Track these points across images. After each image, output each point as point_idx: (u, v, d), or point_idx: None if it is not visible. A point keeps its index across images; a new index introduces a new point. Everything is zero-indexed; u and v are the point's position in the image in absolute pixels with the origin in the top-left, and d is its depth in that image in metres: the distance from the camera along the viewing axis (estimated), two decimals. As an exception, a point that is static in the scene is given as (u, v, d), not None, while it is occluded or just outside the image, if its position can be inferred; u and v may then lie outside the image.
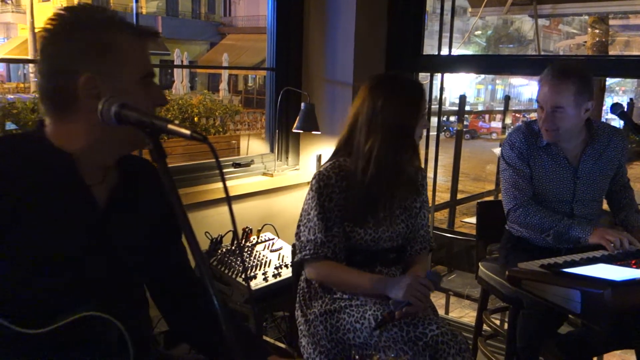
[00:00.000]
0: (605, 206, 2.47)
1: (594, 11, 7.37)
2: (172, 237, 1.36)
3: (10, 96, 11.90)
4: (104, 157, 1.19)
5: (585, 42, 8.96)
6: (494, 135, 18.77)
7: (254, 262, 2.53)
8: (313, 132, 3.04)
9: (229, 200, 0.96)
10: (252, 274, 2.43)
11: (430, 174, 3.61)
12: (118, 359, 1.17)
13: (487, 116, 21.28)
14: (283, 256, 2.63)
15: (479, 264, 2.62)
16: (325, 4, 3.15)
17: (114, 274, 1.21)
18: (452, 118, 15.90)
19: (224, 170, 3.05)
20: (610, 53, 9.97)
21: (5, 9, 24.09)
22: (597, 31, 7.92)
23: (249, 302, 2.32)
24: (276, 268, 2.51)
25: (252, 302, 2.33)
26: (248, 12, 25.84)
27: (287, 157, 3.33)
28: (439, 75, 3.65)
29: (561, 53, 20.65)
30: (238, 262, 2.46)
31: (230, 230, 2.59)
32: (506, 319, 2.99)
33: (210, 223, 2.68)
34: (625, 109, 2.31)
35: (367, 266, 1.90)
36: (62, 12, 1.12)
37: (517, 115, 20.50)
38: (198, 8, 27.37)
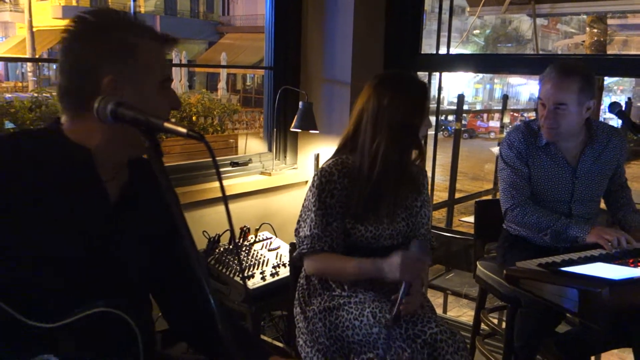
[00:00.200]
0: (602, 205, 2.47)
1: (592, 10, 7.37)
2: (174, 237, 1.36)
3: (8, 95, 11.89)
4: (119, 155, 1.22)
5: (584, 41, 8.97)
6: (492, 135, 18.79)
7: (251, 261, 2.52)
8: (311, 131, 3.04)
9: (225, 199, 0.96)
10: (250, 273, 2.42)
11: (428, 173, 3.62)
12: (127, 355, 1.18)
13: (485, 115, 21.32)
14: (281, 255, 2.62)
15: (477, 263, 2.62)
16: (323, 3, 3.14)
17: (121, 270, 1.23)
18: (451, 117, 15.91)
19: (222, 170, 3.05)
20: (609, 52, 9.98)
21: (4, 7, 24.06)
22: (595, 30, 7.93)
23: (246, 301, 2.31)
24: (274, 267, 2.51)
25: (249, 302, 2.33)
26: (246, 12, 25.82)
27: (285, 156, 3.33)
28: (437, 74, 3.65)
29: (559, 52, 20.67)
30: (236, 261, 2.46)
31: (227, 230, 2.59)
32: (504, 318, 2.99)
33: (208, 222, 2.68)
34: (624, 108, 2.31)
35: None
36: (86, 14, 1.15)
37: (515, 114, 20.54)
38: (196, 7, 27.35)
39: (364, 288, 1.90)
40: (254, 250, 2.62)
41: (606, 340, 2.24)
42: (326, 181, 1.86)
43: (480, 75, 27.18)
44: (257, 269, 2.47)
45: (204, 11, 27.58)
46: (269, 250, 2.66)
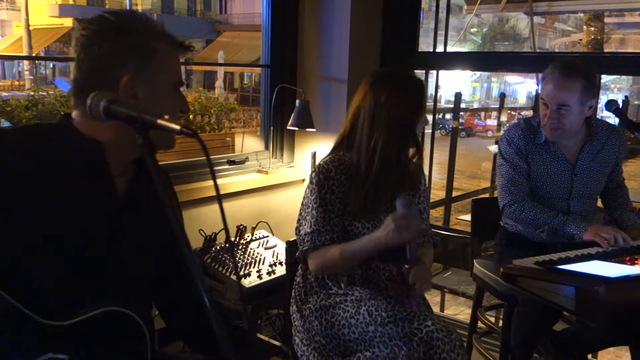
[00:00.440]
0: (599, 204, 2.47)
1: (589, 9, 7.38)
2: (173, 236, 1.36)
3: (4, 94, 11.87)
4: (128, 152, 1.24)
5: (581, 39, 8.98)
6: (490, 133, 18.81)
7: (248, 259, 2.52)
8: (308, 130, 3.04)
9: (219, 196, 0.95)
10: (246, 271, 2.42)
11: (425, 171, 3.62)
12: (134, 354, 1.19)
13: (482, 114, 21.32)
14: (277, 254, 2.62)
15: (474, 261, 2.62)
16: (320, 0, 3.14)
17: (125, 268, 1.23)
18: (448, 116, 15.92)
19: (219, 168, 3.04)
20: (606, 50, 9.98)
21: (0, 6, 23.98)
22: (592, 29, 7.94)
23: (240, 300, 2.31)
24: (270, 266, 2.50)
25: (244, 300, 2.33)
26: (244, 10, 25.79)
27: (282, 155, 3.32)
28: (434, 72, 3.65)
29: (557, 51, 20.69)
30: (231, 260, 2.45)
31: (227, 229, 2.58)
32: (501, 316, 2.99)
33: (204, 220, 2.67)
34: (620, 106, 2.31)
35: (364, 262, 1.89)
36: (107, 15, 1.19)
37: (512, 112, 20.54)
38: (194, 5, 27.30)
39: (360, 286, 1.89)
40: (251, 249, 2.62)
41: (603, 338, 2.24)
42: (324, 177, 1.86)
43: (478, 73, 27.19)
44: (254, 267, 2.47)
45: (201, 9, 27.53)
46: (266, 248, 2.65)
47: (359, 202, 1.85)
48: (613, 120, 2.56)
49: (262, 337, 2.87)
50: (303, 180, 3.31)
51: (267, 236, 2.77)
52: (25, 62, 21.92)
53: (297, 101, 3.00)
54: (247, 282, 2.35)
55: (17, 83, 20.36)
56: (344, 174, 1.87)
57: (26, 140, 1.13)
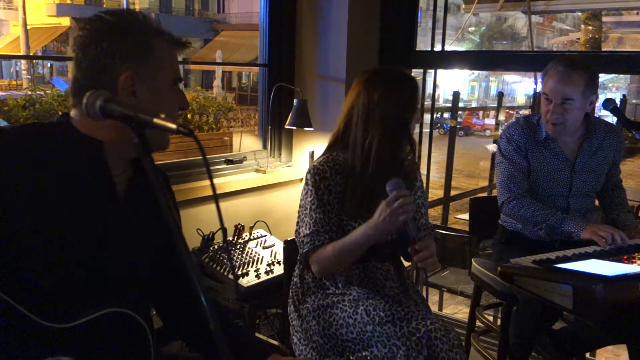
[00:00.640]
0: (596, 204, 2.48)
1: (587, 8, 7.39)
2: (170, 235, 1.36)
3: (1, 93, 11.85)
4: (127, 150, 1.24)
5: (579, 38, 8.99)
6: (488, 132, 18.83)
7: (246, 259, 2.51)
8: (306, 129, 3.03)
9: (215, 196, 0.95)
10: (244, 270, 2.42)
11: (423, 170, 3.62)
12: (137, 354, 1.19)
13: (481, 113, 21.34)
14: (275, 253, 2.61)
15: (472, 260, 2.62)
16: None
17: (125, 267, 1.23)
18: (446, 115, 15.93)
19: (217, 167, 3.04)
20: (604, 49, 9.99)
21: (-3, 5, 23.93)
22: (590, 28, 7.95)
23: (239, 299, 2.31)
24: (268, 265, 2.50)
25: (241, 300, 2.32)
26: (242, 9, 25.76)
27: (279, 154, 3.32)
28: (432, 71, 3.65)
29: (554, 50, 20.71)
30: (228, 260, 2.45)
31: (224, 228, 2.57)
32: (499, 315, 2.99)
33: (202, 220, 2.67)
34: (618, 105, 2.31)
35: (360, 261, 1.89)
36: (104, 15, 1.19)
37: (510, 112, 20.56)
38: (191, 5, 27.27)
39: (357, 286, 1.89)
40: (249, 248, 2.61)
41: (600, 337, 2.24)
42: (320, 178, 1.85)
43: (476, 73, 27.21)
44: (252, 266, 2.47)
45: (199, 9, 27.50)
46: (264, 248, 2.65)
47: (355, 202, 1.84)
48: (611, 119, 2.57)
49: (261, 336, 2.86)
50: (301, 179, 3.31)
51: (265, 235, 2.77)
52: (23, 61, 21.88)
53: (295, 100, 3.00)
54: (245, 282, 2.35)
55: (14, 82, 20.32)
56: (339, 174, 1.86)
57: (25, 139, 1.13)
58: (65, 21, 21.20)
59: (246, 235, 2.71)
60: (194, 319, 1.39)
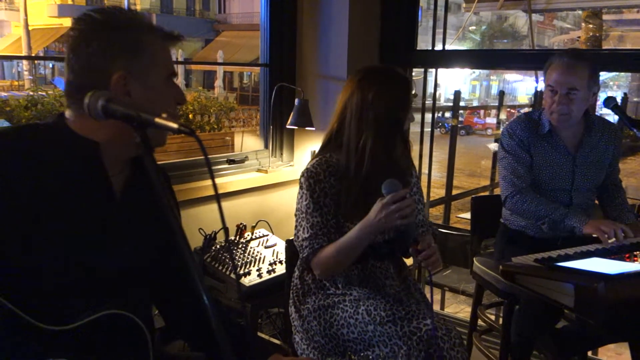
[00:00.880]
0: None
1: (587, 6, 7.38)
2: (171, 235, 1.35)
3: (3, 94, 11.87)
4: (124, 151, 1.23)
5: (579, 37, 8.98)
6: (489, 131, 18.81)
7: (248, 258, 2.52)
8: (307, 128, 3.04)
9: (217, 196, 0.95)
10: (246, 270, 2.42)
11: (425, 169, 3.62)
12: (136, 356, 1.19)
13: (482, 112, 21.32)
14: (277, 252, 2.62)
15: (474, 259, 2.62)
16: (318, -1, 3.14)
17: (125, 268, 1.22)
18: (448, 114, 15.91)
19: (219, 167, 3.04)
20: (604, 47, 9.98)
21: (-1, 6, 23.96)
22: (590, 26, 7.94)
23: (240, 299, 2.31)
24: (270, 264, 2.50)
25: (242, 299, 2.33)
26: (243, 9, 25.76)
27: (281, 154, 3.32)
28: (433, 70, 3.65)
29: (555, 48, 20.68)
30: (230, 259, 2.45)
31: (226, 227, 2.58)
32: (501, 314, 2.99)
33: (204, 220, 2.67)
34: (619, 104, 2.32)
35: (359, 261, 1.88)
36: (93, 13, 1.17)
37: (511, 110, 20.54)
38: (192, 5, 27.28)
39: (357, 286, 1.88)
40: (250, 248, 2.62)
41: (602, 335, 2.24)
42: (314, 181, 1.84)
43: (477, 72, 27.19)
44: (254, 266, 2.47)
45: (200, 9, 27.51)
46: (266, 247, 2.65)
47: (350, 203, 1.83)
48: (612, 117, 2.57)
49: (263, 335, 2.87)
50: (302, 179, 3.30)
51: (267, 235, 2.77)
52: (25, 62, 21.90)
53: (296, 100, 3.00)
54: (247, 281, 2.35)
55: (16, 83, 20.35)
56: (333, 175, 1.85)
57: (21, 141, 1.13)
58: (67, 22, 21.19)
59: (248, 235, 2.72)
60: (195, 318, 1.39)
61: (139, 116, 0.97)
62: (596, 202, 2.47)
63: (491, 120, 19.12)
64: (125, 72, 1.15)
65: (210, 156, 3.24)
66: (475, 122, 20.41)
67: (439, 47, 3.41)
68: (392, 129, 1.85)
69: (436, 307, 4.07)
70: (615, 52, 4.56)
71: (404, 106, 1.85)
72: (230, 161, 3.09)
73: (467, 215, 2.83)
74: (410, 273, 1.97)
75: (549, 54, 2.33)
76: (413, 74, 3.39)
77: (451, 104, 8.34)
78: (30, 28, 19.62)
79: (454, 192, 6.91)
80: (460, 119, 16.59)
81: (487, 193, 7.95)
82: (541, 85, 2.37)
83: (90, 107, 1.00)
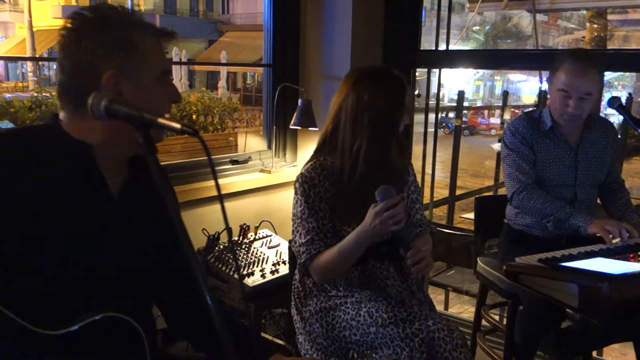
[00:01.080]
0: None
1: (592, 6, 7.36)
2: (173, 234, 1.34)
3: (7, 95, 11.91)
4: (120, 151, 1.22)
5: (584, 37, 8.95)
6: (493, 132, 18.79)
7: (251, 258, 2.52)
8: (310, 129, 3.04)
9: (220, 196, 0.95)
10: (250, 270, 2.42)
11: (428, 170, 3.62)
12: (134, 358, 1.17)
13: (486, 112, 21.29)
14: (281, 253, 2.62)
15: (477, 259, 2.62)
16: (321, -1, 3.14)
17: (124, 268, 1.21)
18: (451, 114, 15.88)
19: (222, 168, 3.04)
20: (609, 47, 9.95)
21: (3, 8, 24.05)
22: (595, 26, 7.91)
23: (243, 299, 2.31)
24: (274, 265, 2.50)
25: (245, 299, 2.32)
26: (246, 10, 25.78)
27: (284, 154, 3.32)
28: (436, 71, 3.64)
29: (560, 48, 20.63)
30: (233, 260, 2.46)
31: (229, 228, 2.58)
32: (505, 315, 2.99)
33: (208, 220, 2.67)
34: (624, 104, 2.32)
35: (359, 263, 1.86)
36: (83, 12, 1.15)
37: (515, 111, 20.51)
38: (196, 5, 27.32)
39: (359, 287, 1.87)
40: (254, 248, 2.62)
41: (607, 335, 2.24)
42: (309, 186, 1.82)
43: (481, 72, 27.16)
44: (257, 266, 2.47)
45: (204, 10, 27.55)
46: (269, 247, 2.66)
47: (346, 207, 1.82)
48: (617, 117, 2.57)
49: (266, 336, 2.87)
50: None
51: (270, 235, 2.77)
52: (29, 63, 21.98)
53: (300, 100, 3.00)
54: (251, 281, 2.35)
55: (20, 84, 20.43)
56: (328, 179, 1.83)
57: (15, 145, 1.12)
58: (71, 23, 21.24)
59: (251, 235, 2.72)
60: (197, 318, 1.38)
61: (142, 116, 0.96)
62: (599, 202, 2.48)
63: (495, 120, 19.11)
64: (116, 71, 1.13)
65: (213, 157, 3.25)
66: (479, 123, 20.37)
67: (442, 47, 3.40)
68: (388, 132, 1.82)
69: (440, 308, 4.06)
70: (620, 52, 4.55)
71: (399, 108, 1.83)
72: (234, 162, 3.09)
73: (471, 215, 2.83)
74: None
75: (553, 54, 2.33)
76: (417, 74, 3.39)
77: (455, 104, 8.33)
78: (34, 29, 19.68)
79: (458, 192, 6.90)
80: (464, 119, 16.59)
81: (491, 193, 7.93)
82: (545, 85, 2.38)
83: (93, 108, 1.00)
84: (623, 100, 2.40)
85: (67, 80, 1.15)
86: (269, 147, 3.30)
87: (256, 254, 2.57)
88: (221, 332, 0.89)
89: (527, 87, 28.34)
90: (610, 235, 2.04)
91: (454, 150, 6.25)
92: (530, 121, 2.37)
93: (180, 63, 20.78)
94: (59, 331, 1.07)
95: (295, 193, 1.86)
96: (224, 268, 2.42)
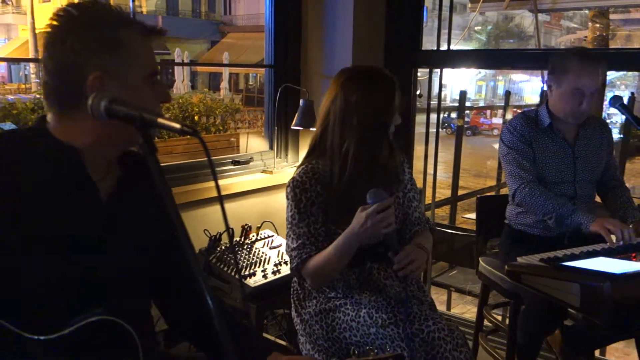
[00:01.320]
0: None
1: (594, 5, 7.35)
2: (170, 233, 1.33)
3: (10, 97, 11.95)
4: (109, 152, 1.20)
5: (586, 36, 8.94)
6: (495, 132, 18.75)
7: (253, 259, 2.52)
8: (312, 129, 3.03)
9: (220, 197, 0.94)
10: (252, 271, 2.42)
11: (430, 170, 3.61)
12: None
13: (488, 112, 21.26)
14: (282, 253, 2.62)
15: (479, 259, 2.61)
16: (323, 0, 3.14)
17: (117, 270, 1.19)
18: (454, 114, 15.88)
19: (224, 168, 3.05)
20: (611, 47, 9.93)
21: (6, 10, 24.12)
22: (597, 25, 7.89)
23: (245, 299, 2.31)
24: (275, 265, 2.50)
25: (246, 300, 2.32)
26: (248, 11, 25.82)
27: (286, 154, 3.32)
28: (438, 71, 3.64)
29: (562, 48, 20.61)
30: (233, 261, 2.46)
31: (229, 228, 2.58)
32: (507, 314, 2.98)
33: (210, 221, 2.67)
34: (626, 103, 2.32)
35: (357, 265, 1.86)
36: (69, 9, 1.11)
37: (518, 111, 20.47)
38: (198, 7, 27.37)
39: (358, 289, 1.87)
40: (256, 249, 2.62)
41: (609, 334, 2.23)
42: (300, 191, 1.80)
43: (483, 72, 27.14)
44: (259, 267, 2.47)
45: (206, 11, 27.59)
46: (271, 248, 2.65)
47: (337, 209, 1.80)
48: (620, 117, 2.58)
49: (268, 336, 2.87)
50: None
51: (272, 236, 2.77)
52: (32, 65, 22.02)
53: (301, 101, 3.00)
54: (253, 282, 2.35)
55: (23, 86, 20.48)
56: (319, 183, 1.81)
57: (2, 150, 1.10)
58: (73, 25, 21.29)
59: (253, 236, 2.72)
60: (196, 318, 1.37)
61: (142, 116, 0.95)
62: (600, 200, 2.48)
63: (497, 120, 19.08)
64: (102, 72, 1.09)
65: (215, 157, 3.25)
66: (481, 123, 20.35)
67: (444, 47, 3.40)
68: (377, 133, 1.80)
69: (442, 308, 4.06)
70: (623, 51, 4.54)
71: (388, 109, 1.80)
72: (236, 162, 3.09)
73: (473, 215, 2.82)
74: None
75: (552, 55, 2.34)
76: (418, 74, 3.39)
77: (457, 104, 8.32)
78: (37, 31, 19.71)
79: (460, 192, 6.89)
80: (466, 119, 16.56)
81: (493, 193, 7.92)
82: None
83: (93, 109, 0.98)
84: (625, 99, 2.40)
85: (51, 80, 1.12)
86: (271, 147, 3.30)
87: (258, 254, 2.57)
88: (221, 332, 0.89)
89: (530, 87, 28.29)
90: (612, 236, 2.04)
91: (456, 151, 6.23)
92: (528, 120, 2.39)
93: (182, 64, 20.82)
94: (50, 336, 1.05)
95: (287, 198, 1.84)
96: (225, 268, 2.42)
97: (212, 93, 15.47)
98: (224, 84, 18.46)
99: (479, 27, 24.50)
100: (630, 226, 2.13)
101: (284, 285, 2.35)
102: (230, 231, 1.05)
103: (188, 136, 0.96)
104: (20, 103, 9.41)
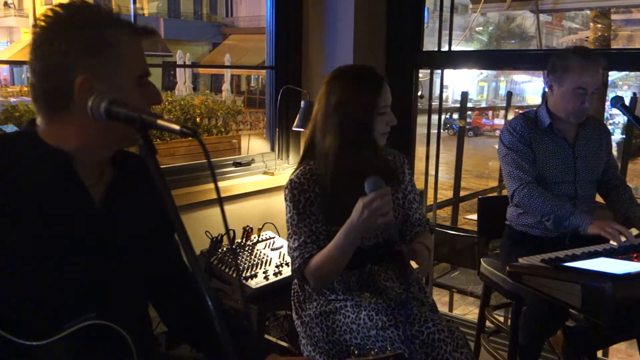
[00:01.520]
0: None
1: (595, 6, 7.34)
2: (167, 234, 1.32)
3: (12, 99, 11.97)
4: (100, 154, 1.18)
5: (588, 37, 8.92)
6: (497, 132, 18.68)
7: (254, 260, 2.52)
8: (313, 130, 3.03)
9: (220, 198, 0.94)
10: (253, 272, 2.42)
11: (432, 171, 3.61)
12: None
13: (490, 113, 21.26)
14: (284, 255, 2.62)
15: (481, 260, 2.61)
16: (324, 1, 3.14)
17: (112, 273, 1.18)
18: (455, 115, 15.88)
19: (225, 170, 3.05)
20: (613, 47, 9.92)
21: (8, 12, 24.16)
22: (599, 26, 7.88)
23: (245, 301, 2.31)
24: (277, 267, 2.50)
25: (246, 301, 2.32)
26: (250, 12, 25.84)
27: (287, 156, 3.33)
28: (439, 72, 3.63)
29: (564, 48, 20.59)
30: (238, 261, 2.46)
31: (230, 229, 2.58)
32: (509, 315, 2.98)
33: (211, 222, 2.68)
34: (628, 104, 2.33)
35: (357, 267, 1.85)
36: (57, 9, 1.09)
37: (520, 111, 20.47)
38: (200, 9, 27.39)
39: (357, 291, 1.86)
40: (257, 250, 2.62)
41: (611, 334, 2.23)
42: (298, 192, 1.80)
43: (485, 73, 27.12)
44: (260, 268, 2.47)
45: (208, 13, 27.61)
46: (272, 249, 2.65)
47: (332, 209, 1.79)
48: (622, 117, 2.59)
49: (270, 338, 2.86)
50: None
51: (274, 237, 2.77)
52: (34, 67, 22.05)
53: (302, 102, 3.01)
54: (254, 283, 2.35)
55: (25, 89, 20.49)
56: (317, 184, 1.81)
57: None
58: (75, 27, 21.32)
59: (255, 237, 2.72)
60: (194, 319, 1.37)
61: (141, 118, 0.94)
62: (603, 201, 2.48)
63: (499, 121, 19.05)
64: (90, 75, 1.07)
65: (217, 159, 3.25)
66: (483, 124, 20.35)
67: (445, 48, 3.40)
68: (359, 134, 1.78)
69: (444, 309, 4.05)
70: (625, 51, 4.53)
71: (370, 109, 1.77)
72: (237, 164, 3.09)
73: (475, 216, 2.82)
74: (413, 273, 1.94)
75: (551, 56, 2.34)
76: (420, 75, 3.38)
77: (459, 105, 8.31)
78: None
79: (462, 193, 6.88)
80: (468, 120, 16.56)
81: (495, 194, 7.91)
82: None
83: (93, 110, 0.98)
84: (627, 100, 2.40)
85: (39, 83, 1.09)
86: (272, 149, 3.30)
87: (259, 255, 2.57)
88: (221, 332, 0.89)
89: (531, 87, 28.28)
90: (611, 235, 2.05)
91: (458, 152, 6.22)
92: (528, 120, 2.39)
93: (184, 66, 20.84)
94: (43, 341, 1.04)
95: (285, 200, 1.83)
96: (227, 270, 2.42)
97: (214, 95, 15.50)
98: (226, 86, 18.48)
99: (480, 28, 24.49)
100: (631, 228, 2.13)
101: (286, 286, 2.35)
102: (230, 233, 1.05)
103: (189, 138, 0.95)
104: (22, 105, 9.42)
